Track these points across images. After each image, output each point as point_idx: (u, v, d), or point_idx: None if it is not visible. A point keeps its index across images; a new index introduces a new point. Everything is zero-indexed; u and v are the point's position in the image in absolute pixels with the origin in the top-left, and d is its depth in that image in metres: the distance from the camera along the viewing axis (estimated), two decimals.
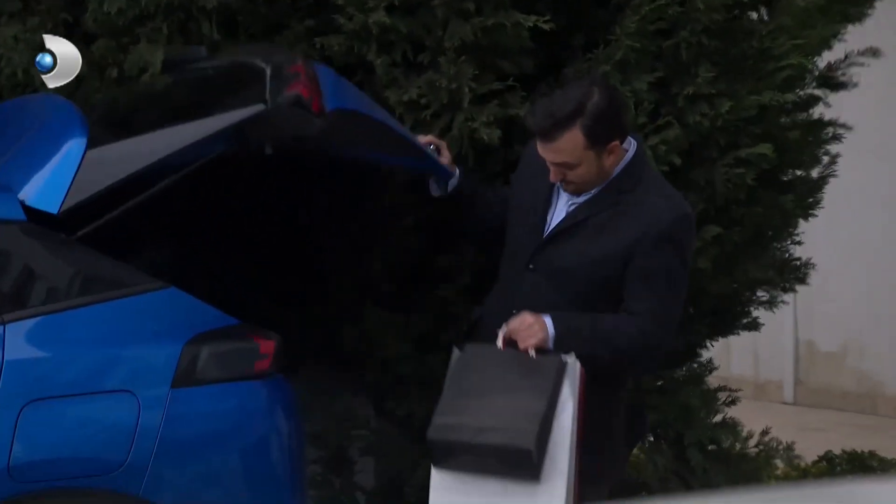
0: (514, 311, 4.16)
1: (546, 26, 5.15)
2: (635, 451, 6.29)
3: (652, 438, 5.80)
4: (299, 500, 4.50)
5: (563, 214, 4.29)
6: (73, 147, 4.27)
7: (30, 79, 5.25)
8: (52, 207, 4.17)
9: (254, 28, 5.29)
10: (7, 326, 4.11)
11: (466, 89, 5.11)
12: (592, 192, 4.25)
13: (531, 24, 5.14)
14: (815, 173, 5.95)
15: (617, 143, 4.19)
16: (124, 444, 4.15)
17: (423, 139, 4.59)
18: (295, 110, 4.27)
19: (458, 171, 4.61)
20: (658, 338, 4.20)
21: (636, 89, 5.25)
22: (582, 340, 4.12)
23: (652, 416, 5.63)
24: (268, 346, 4.41)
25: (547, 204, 4.32)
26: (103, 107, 5.05)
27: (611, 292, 4.21)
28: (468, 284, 5.34)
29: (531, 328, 4.08)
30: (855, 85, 5.97)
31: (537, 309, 4.15)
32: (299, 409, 4.54)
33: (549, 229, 4.29)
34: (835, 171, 5.99)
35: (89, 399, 4.17)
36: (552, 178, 4.24)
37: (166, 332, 4.30)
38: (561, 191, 4.29)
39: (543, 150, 4.21)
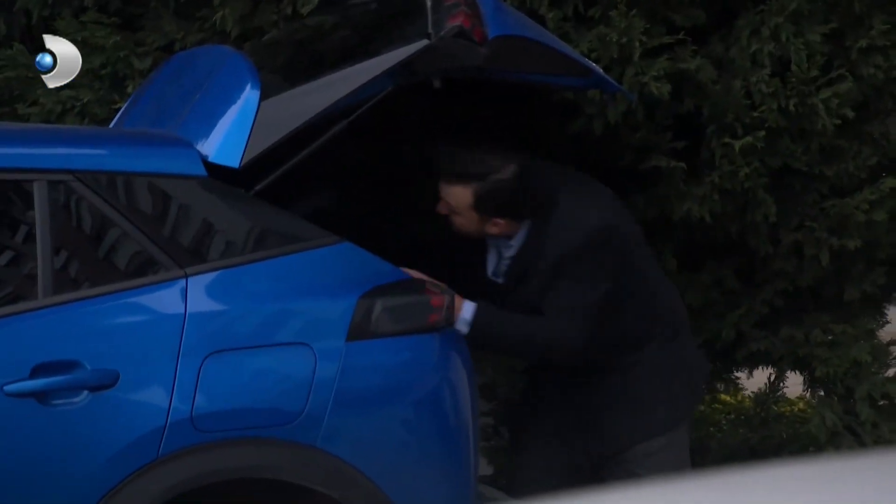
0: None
1: None
2: (802, 405, 6.20)
3: (822, 392, 5.69)
4: (471, 452, 4.47)
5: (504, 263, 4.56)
6: (248, 99, 4.27)
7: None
8: (233, 162, 4.18)
9: None
10: (189, 279, 4.13)
11: (637, 43, 5.04)
12: (516, 246, 4.50)
13: None
14: None
15: (501, 221, 4.37)
16: (301, 396, 4.15)
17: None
18: (458, 41, 4.22)
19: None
20: (566, 334, 4.41)
21: (809, 41, 5.14)
22: (500, 333, 4.41)
23: (821, 370, 5.53)
24: (440, 299, 4.38)
25: (498, 252, 4.60)
26: (267, 51, 5.04)
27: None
28: None
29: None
30: None
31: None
32: (470, 362, 4.50)
33: (502, 281, 4.59)
34: None
35: (267, 351, 4.18)
36: (439, 208, 4.45)
37: (341, 286, 4.28)
38: (502, 250, 4.57)
39: (439, 186, 4.42)
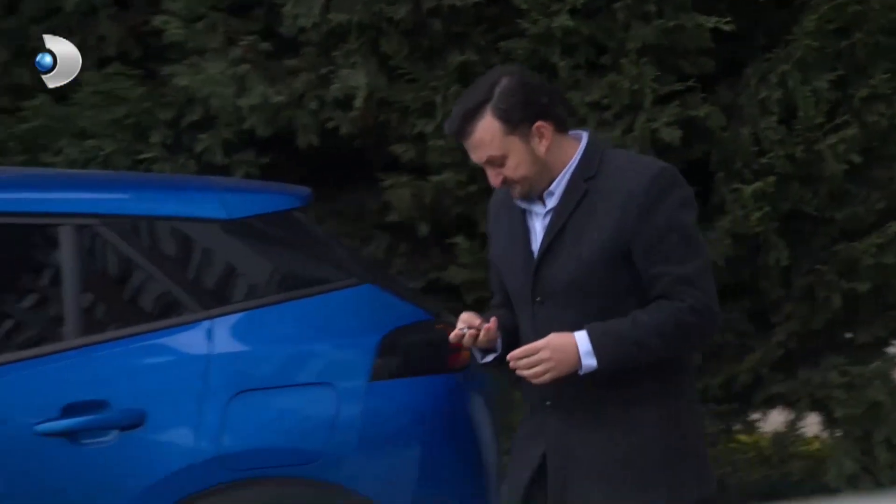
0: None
1: (727, 27, 5.06)
2: (818, 444, 6.13)
3: (840, 433, 5.63)
4: (493, 489, 4.42)
5: (541, 234, 3.71)
6: None
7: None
8: None
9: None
10: (214, 321, 4.12)
11: (648, 90, 5.04)
12: (556, 193, 3.67)
13: (712, 26, 5.05)
14: None
15: (542, 123, 3.63)
16: (325, 435, 4.13)
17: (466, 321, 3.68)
18: None
19: (499, 342, 3.72)
20: (705, 305, 3.52)
21: (817, 88, 5.15)
22: (624, 340, 3.54)
23: (839, 412, 5.48)
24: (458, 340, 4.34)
25: (526, 234, 3.73)
26: None
27: (631, 286, 3.60)
28: None
29: (538, 364, 3.53)
30: None
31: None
32: (492, 401, 4.48)
33: (537, 255, 3.69)
34: None
35: (291, 391, 4.17)
36: (492, 182, 3.71)
37: (363, 327, 4.28)
38: (534, 214, 3.72)
39: (470, 153, 3.70)
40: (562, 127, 3.66)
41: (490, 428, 4.44)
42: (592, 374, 3.54)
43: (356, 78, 5.20)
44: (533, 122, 3.61)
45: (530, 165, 3.64)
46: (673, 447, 3.63)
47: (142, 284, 4.22)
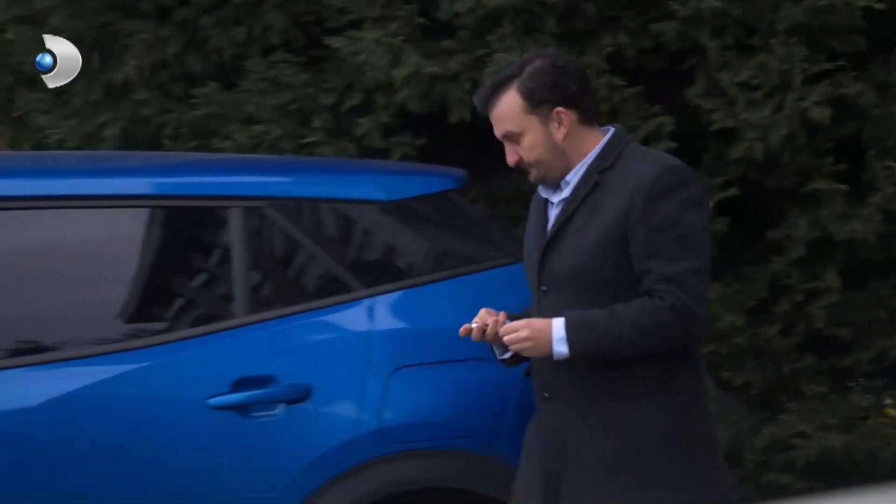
0: None
1: (879, 5, 5.03)
2: None
3: None
4: None
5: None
6: None
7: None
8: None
9: None
10: (375, 299, 4.24)
11: (797, 70, 5.04)
12: (572, 183, 3.66)
13: (863, 4, 5.02)
14: None
15: (562, 109, 3.61)
16: (483, 409, 4.23)
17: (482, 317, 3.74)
18: None
19: None
20: (685, 304, 3.48)
21: None
22: (599, 332, 3.52)
23: None
24: None
25: (543, 224, 3.73)
26: None
27: (630, 278, 3.56)
28: (802, 257, 5.27)
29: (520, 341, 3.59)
30: None
31: None
32: None
33: (544, 244, 3.71)
34: None
35: (449, 367, 4.25)
36: (508, 160, 3.71)
37: (518, 305, 4.31)
38: (551, 204, 3.71)
39: (494, 127, 3.71)
40: (587, 118, 3.64)
41: None
42: (592, 367, 3.54)
43: (510, 61, 5.27)
44: (554, 106, 3.60)
45: (545, 149, 3.63)
46: (673, 445, 3.55)
47: (306, 264, 4.36)
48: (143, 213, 4.24)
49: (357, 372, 4.15)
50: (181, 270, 4.33)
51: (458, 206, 4.59)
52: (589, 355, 3.55)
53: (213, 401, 4.03)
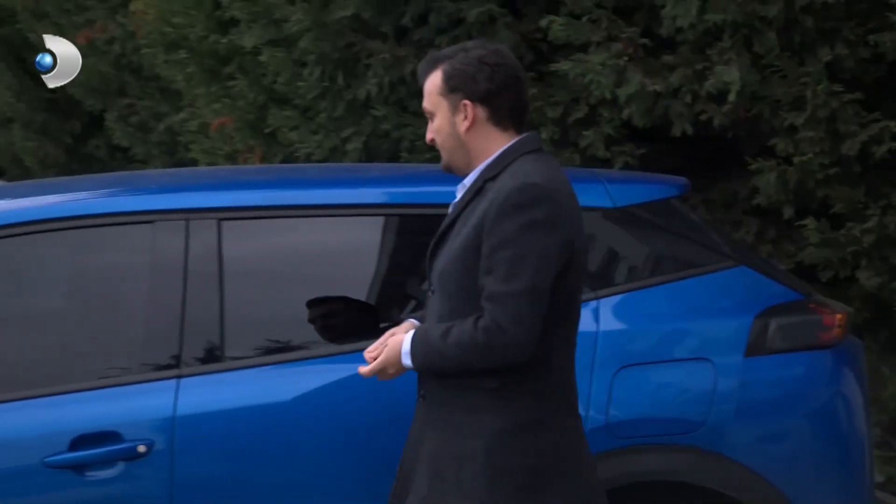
0: None
1: None
2: None
3: None
4: (867, 460, 4.54)
5: None
6: None
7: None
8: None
9: None
10: (600, 301, 4.36)
11: None
12: (466, 186, 3.65)
13: None
14: None
15: (470, 103, 3.59)
16: (704, 406, 4.31)
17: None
18: None
19: None
20: (497, 325, 3.46)
21: None
22: (429, 348, 3.54)
23: None
24: (832, 318, 4.48)
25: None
26: None
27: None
28: None
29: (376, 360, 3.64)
30: None
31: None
32: (864, 376, 4.57)
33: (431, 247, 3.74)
34: None
35: (671, 366, 4.36)
36: (427, 136, 3.73)
37: (738, 306, 4.43)
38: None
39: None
40: (499, 120, 3.60)
41: (861, 399, 4.53)
42: (443, 375, 3.55)
43: (730, 74, 5.33)
44: (464, 98, 3.59)
45: (447, 136, 3.65)
46: (501, 464, 3.52)
47: None
48: (378, 221, 4.43)
49: (586, 370, 4.20)
50: (416, 273, 4.39)
51: (680, 212, 4.69)
52: (429, 369, 3.59)
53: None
